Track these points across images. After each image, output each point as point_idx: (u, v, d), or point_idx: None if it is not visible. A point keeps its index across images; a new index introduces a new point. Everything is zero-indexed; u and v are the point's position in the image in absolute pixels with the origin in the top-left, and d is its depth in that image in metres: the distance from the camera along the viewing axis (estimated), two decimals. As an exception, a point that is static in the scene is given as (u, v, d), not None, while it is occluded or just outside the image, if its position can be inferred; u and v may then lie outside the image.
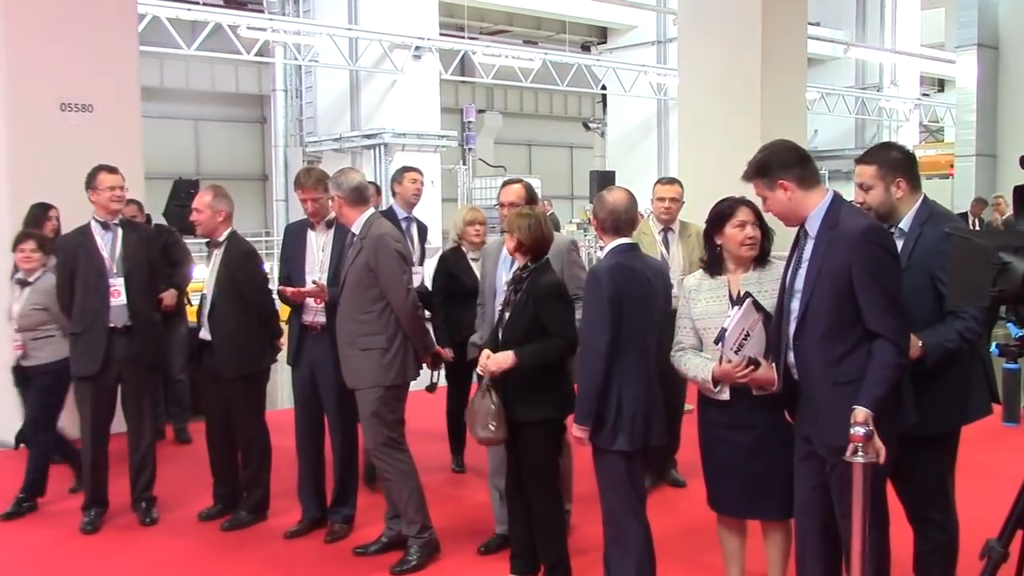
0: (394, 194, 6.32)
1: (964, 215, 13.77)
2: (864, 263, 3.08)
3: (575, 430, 3.83)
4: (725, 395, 3.67)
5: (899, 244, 3.40)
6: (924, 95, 30.40)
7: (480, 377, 4.26)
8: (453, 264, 5.97)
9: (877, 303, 3.06)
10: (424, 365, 4.92)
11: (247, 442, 5.38)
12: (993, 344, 2.70)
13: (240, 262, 5.25)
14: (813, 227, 3.25)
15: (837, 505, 3.26)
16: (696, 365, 3.74)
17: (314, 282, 5.00)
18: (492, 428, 4.11)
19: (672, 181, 5.97)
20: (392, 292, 4.59)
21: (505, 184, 5.12)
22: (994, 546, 2.68)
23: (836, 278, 3.13)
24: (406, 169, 6.39)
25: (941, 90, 31.73)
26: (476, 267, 5.68)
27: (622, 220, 3.91)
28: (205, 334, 5.27)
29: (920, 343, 3.23)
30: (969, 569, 2.82)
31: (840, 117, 26.42)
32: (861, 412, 2.99)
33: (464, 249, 5.98)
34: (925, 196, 3.45)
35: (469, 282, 5.71)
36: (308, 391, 5.10)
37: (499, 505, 4.86)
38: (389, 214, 5.86)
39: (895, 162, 3.45)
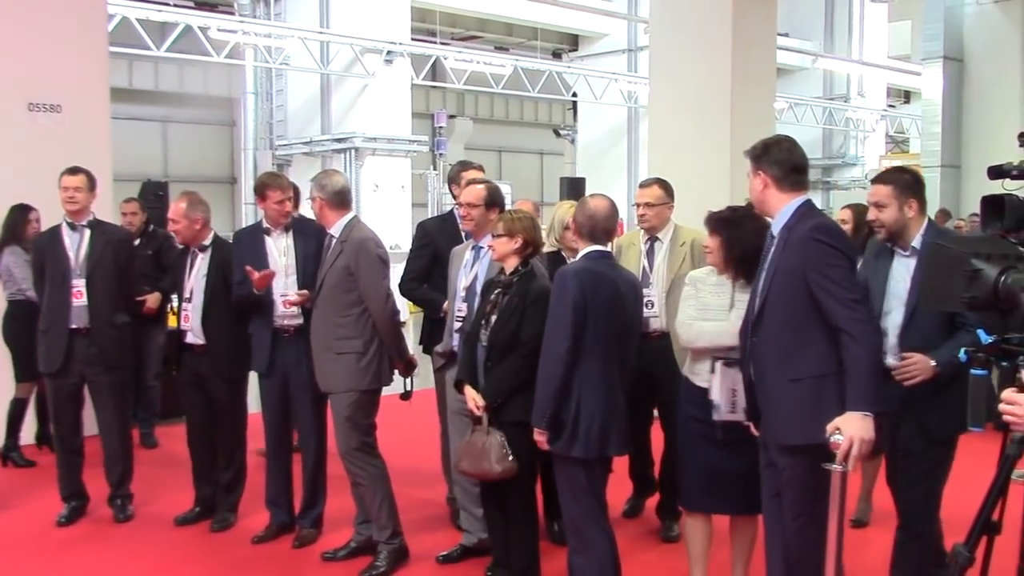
0: (454, 196, 5.31)
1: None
2: (813, 261, 3.19)
3: (535, 433, 3.83)
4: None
5: (911, 263, 3.61)
6: (890, 106, 30.72)
7: (476, 416, 4.16)
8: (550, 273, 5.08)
9: (835, 298, 3.15)
10: (397, 372, 4.89)
11: (231, 442, 5.36)
12: (962, 351, 2.74)
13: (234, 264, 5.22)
14: (776, 228, 3.38)
15: (786, 511, 3.32)
16: (714, 329, 3.88)
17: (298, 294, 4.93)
18: (510, 460, 4.03)
19: (651, 183, 5.12)
20: (371, 297, 4.57)
21: (469, 183, 4.94)
22: (961, 551, 2.71)
23: (789, 277, 3.24)
24: (464, 166, 5.54)
25: (907, 102, 32.08)
26: None
27: (599, 228, 3.94)
28: (192, 338, 5.22)
29: (933, 363, 3.45)
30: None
31: (808, 127, 26.64)
32: (842, 419, 3.06)
33: (565, 255, 4.94)
34: (929, 218, 3.70)
35: None
36: (279, 395, 5.06)
37: (465, 514, 4.86)
38: (449, 218, 5.35)
39: (908, 184, 3.68)
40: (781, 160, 3.39)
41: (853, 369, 3.12)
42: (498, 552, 4.44)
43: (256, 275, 4.84)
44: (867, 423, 3.07)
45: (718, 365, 3.85)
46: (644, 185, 5.16)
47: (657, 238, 5.05)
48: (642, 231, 5.12)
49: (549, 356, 3.78)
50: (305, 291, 4.84)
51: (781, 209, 3.37)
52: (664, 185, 5.10)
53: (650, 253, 5.05)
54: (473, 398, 4.14)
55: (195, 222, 5.22)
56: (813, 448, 3.13)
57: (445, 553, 4.84)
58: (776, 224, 3.39)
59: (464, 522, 4.88)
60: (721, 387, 3.86)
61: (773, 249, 3.37)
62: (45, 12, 7.15)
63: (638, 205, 5.08)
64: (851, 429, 3.05)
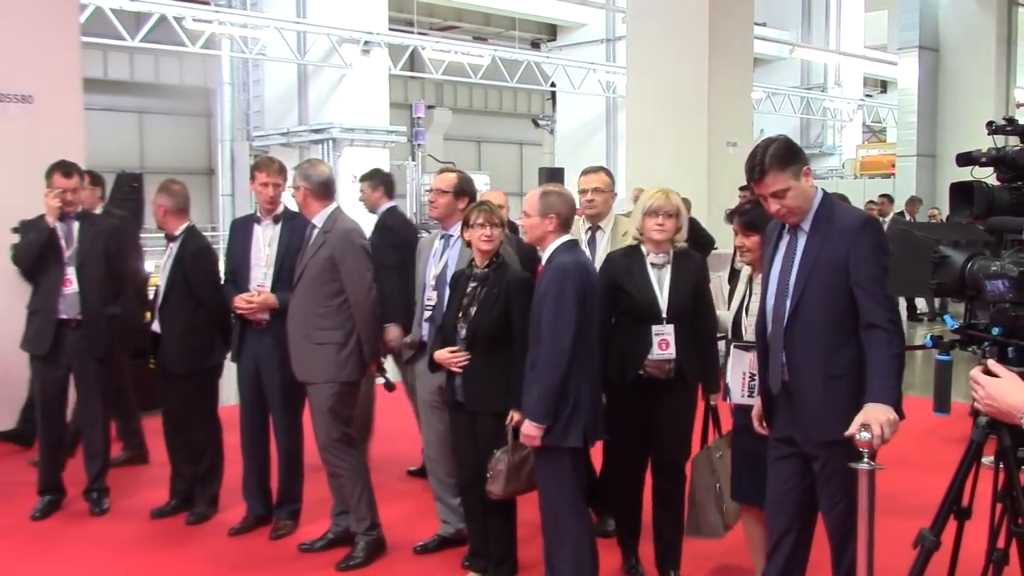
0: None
1: (900, 214, 14.15)
2: (865, 255, 3.12)
3: (529, 427, 3.78)
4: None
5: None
6: (867, 96, 30.91)
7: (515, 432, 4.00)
8: (623, 271, 4.20)
9: (875, 295, 3.09)
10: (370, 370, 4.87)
11: (203, 435, 5.34)
12: (928, 336, 2.76)
13: (192, 258, 5.20)
14: (806, 222, 3.25)
15: (825, 501, 3.24)
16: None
17: (259, 288, 4.94)
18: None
19: (597, 170, 4.99)
20: (354, 288, 4.56)
21: (440, 172, 4.93)
22: (927, 535, 2.74)
23: (833, 271, 3.16)
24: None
25: (884, 91, 32.26)
26: (655, 276, 4.19)
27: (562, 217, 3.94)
28: (157, 327, 5.23)
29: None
30: (903, 558, 2.88)
31: (786, 116, 26.77)
32: (873, 411, 3.00)
33: (644, 250, 4.24)
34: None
35: (642, 298, 4.15)
36: (253, 387, 5.04)
37: (442, 505, 4.87)
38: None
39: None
40: (802, 151, 3.32)
41: (886, 365, 3.07)
42: (475, 542, 4.45)
43: (243, 309, 4.90)
44: (891, 412, 3.02)
45: (732, 349, 3.82)
46: (590, 171, 5.01)
47: (599, 227, 4.91)
48: (582, 220, 4.92)
49: (554, 352, 3.74)
50: (259, 294, 4.88)
51: (812, 202, 3.26)
52: (609, 173, 5.01)
53: (591, 243, 4.88)
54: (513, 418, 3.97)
55: (158, 208, 5.22)
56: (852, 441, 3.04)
57: (423, 543, 4.84)
58: (805, 218, 3.26)
59: (441, 512, 4.89)
60: (735, 371, 3.80)
61: (805, 244, 3.25)
62: (16, 1, 7.06)
63: (583, 191, 4.91)
64: (876, 417, 2.98)
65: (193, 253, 5.23)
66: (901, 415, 3.07)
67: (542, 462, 3.91)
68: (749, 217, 3.86)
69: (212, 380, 5.38)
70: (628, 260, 4.23)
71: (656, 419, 4.18)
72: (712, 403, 4.29)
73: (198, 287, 5.15)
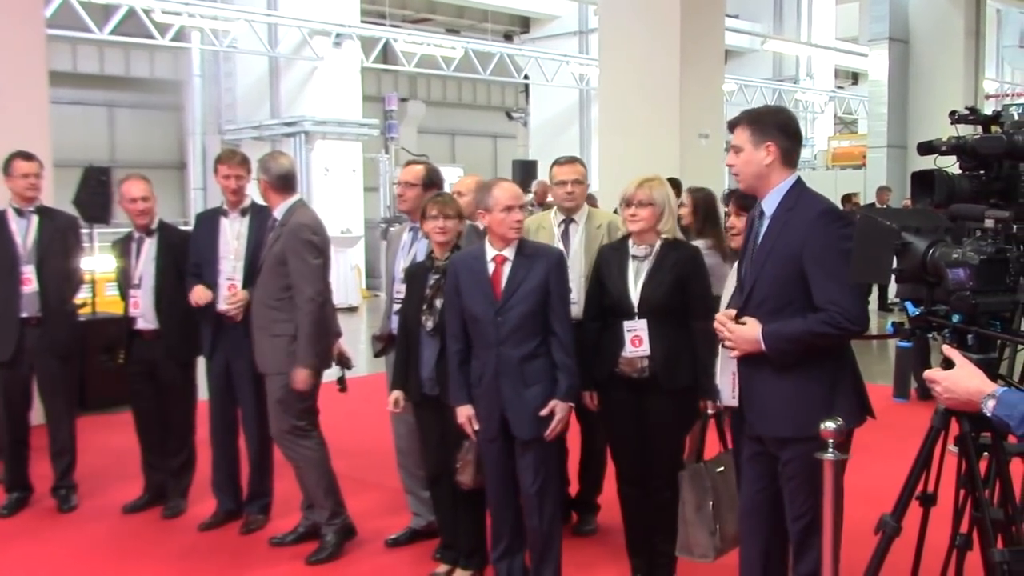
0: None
1: (871, 205, 14.27)
2: (821, 241, 3.02)
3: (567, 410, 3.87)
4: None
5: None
6: (839, 87, 31.07)
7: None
8: (605, 265, 4.09)
9: (830, 280, 2.99)
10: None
11: (183, 427, 5.32)
12: (889, 322, 2.77)
13: (183, 246, 5.18)
14: (770, 206, 3.15)
15: (789, 506, 3.15)
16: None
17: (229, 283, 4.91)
18: None
19: (572, 160, 4.79)
20: (297, 285, 4.51)
21: (408, 164, 4.96)
22: (888, 521, 2.76)
23: (787, 259, 3.06)
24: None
25: (855, 83, 32.43)
26: (633, 268, 4.00)
27: None
28: (143, 323, 5.17)
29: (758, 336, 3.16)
30: (864, 545, 2.90)
31: (758, 108, 26.81)
32: (746, 328, 3.06)
33: (630, 242, 4.07)
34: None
35: (615, 291, 4.01)
36: (222, 380, 5.02)
37: (412, 498, 4.87)
38: None
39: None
40: (791, 131, 3.15)
41: (794, 324, 3.03)
42: (446, 534, 4.45)
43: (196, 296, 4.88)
44: (755, 335, 3.07)
45: (721, 348, 3.44)
46: (566, 162, 4.79)
47: (573, 219, 4.74)
48: (554, 213, 4.83)
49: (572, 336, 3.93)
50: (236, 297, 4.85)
51: (778, 186, 3.12)
52: (583, 163, 4.83)
53: (565, 236, 4.72)
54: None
55: (155, 200, 5.19)
56: (808, 439, 2.93)
57: (394, 536, 4.84)
58: (770, 202, 3.14)
59: (412, 505, 4.89)
60: (724, 371, 3.55)
61: (765, 230, 3.14)
62: (-22, -7, 7.00)
63: (563, 183, 4.73)
64: (741, 333, 3.09)
65: (185, 240, 5.23)
66: (767, 348, 3.06)
67: (547, 451, 3.90)
68: (744, 201, 3.74)
69: (195, 369, 5.37)
70: (615, 253, 4.09)
71: (638, 423, 4.04)
72: (709, 412, 3.99)
73: None
